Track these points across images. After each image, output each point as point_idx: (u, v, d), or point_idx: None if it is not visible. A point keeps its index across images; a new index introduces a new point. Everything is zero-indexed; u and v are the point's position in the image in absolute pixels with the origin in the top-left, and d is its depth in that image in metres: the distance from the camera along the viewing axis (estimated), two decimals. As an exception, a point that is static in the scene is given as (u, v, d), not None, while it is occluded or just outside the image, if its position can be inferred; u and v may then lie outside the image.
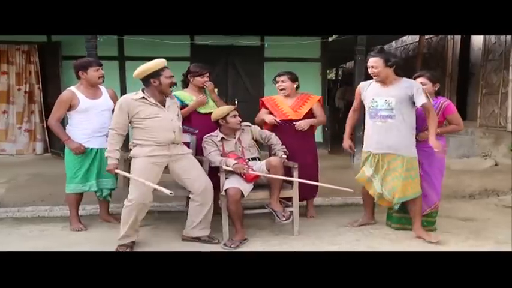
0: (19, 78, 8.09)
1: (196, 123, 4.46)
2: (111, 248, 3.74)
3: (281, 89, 4.61)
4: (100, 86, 4.39)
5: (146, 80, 3.75)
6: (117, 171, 3.76)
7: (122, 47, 7.97)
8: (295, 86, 4.62)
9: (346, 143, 4.45)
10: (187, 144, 4.35)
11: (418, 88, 3.91)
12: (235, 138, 4.23)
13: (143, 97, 3.73)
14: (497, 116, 7.40)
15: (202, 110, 4.51)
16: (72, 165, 4.27)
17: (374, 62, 3.96)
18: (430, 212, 4.20)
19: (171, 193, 3.36)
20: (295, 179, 4.05)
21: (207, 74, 4.54)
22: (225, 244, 3.83)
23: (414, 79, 4.17)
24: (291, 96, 4.62)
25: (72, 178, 4.28)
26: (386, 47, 11.58)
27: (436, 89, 4.21)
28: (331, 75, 16.31)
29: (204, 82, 4.52)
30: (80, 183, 4.29)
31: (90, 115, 4.24)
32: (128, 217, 3.70)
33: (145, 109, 3.73)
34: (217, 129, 4.27)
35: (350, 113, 4.45)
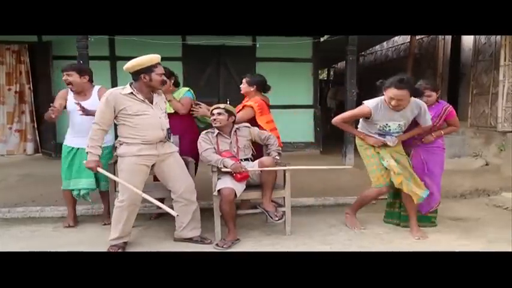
0: (9, 78, 8.01)
1: (174, 123, 4.49)
2: (103, 248, 3.72)
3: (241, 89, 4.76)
4: (95, 86, 4.46)
5: (136, 74, 3.65)
6: (99, 170, 3.66)
7: (113, 47, 7.93)
8: (252, 89, 4.64)
9: (372, 140, 4.14)
10: None
11: (425, 109, 4.01)
12: (230, 137, 4.20)
13: (131, 92, 3.65)
14: (487, 116, 7.45)
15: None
16: (62, 163, 4.47)
17: (402, 96, 3.82)
18: (436, 209, 4.37)
19: (177, 215, 3.43)
20: (288, 167, 4.08)
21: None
22: (217, 244, 3.83)
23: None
24: (249, 97, 4.68)
25: (62, 175, 4.44)
26: (377, 47, 11.66)
27: (438, 95, 4.32)
28: (323, 75, 16.34)
29: None
30: (65, 180, 4.43)
31: (76, 116, 4.31)
32: (120, 218, 3.68)
33: (133, 105, 3.64)
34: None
35: (343, 124, 4.28)
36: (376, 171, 4.14)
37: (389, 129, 4.04)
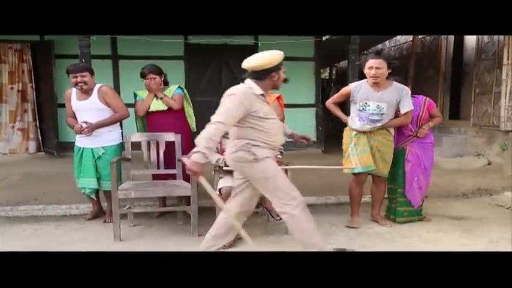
0: (12, 76, 8.05)
1: (152, 121, 4.63)
2: (105, 246, 3.74)
3: None
4: (96, 84, 4.43)
5: (266, 73, 3.19)
6: (201, 180, 3.05)
7: (115, 45, 7.94)
8: None
9: (347, 119, 4.38)
10: (172, 143, 4.36)
11: (407, 93, 4.15)
12: None
13: (262, 94, 3.20)
14: (490, 116, 7.44)
15: (152, 108, 4.59)
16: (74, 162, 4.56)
17: (379, 64, 4.02)
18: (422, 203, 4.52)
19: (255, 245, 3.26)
20: (289, 167, 4.03)
21: (150, 75, 4.54)
22: None
23: None
24: None
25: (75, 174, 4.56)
26: (379, 46, 11.65)
27: None
28: (325, 74, 16.31)
29: (149, 83, 4.54)
30: (77, 179, 4.51)
31: (79, 116, 4.38)
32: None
33: (263, 108, 3.19)
34: None
35: (332, 105, 4.47)
36: (346, 154, 4.33)
37: (369, 109, 4.14)
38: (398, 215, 4.46)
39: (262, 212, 4.22)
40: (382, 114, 4.12)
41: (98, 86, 4.42)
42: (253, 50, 8.00)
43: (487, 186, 5.83)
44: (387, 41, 11.25)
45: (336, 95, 4.48)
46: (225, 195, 3.78)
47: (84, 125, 4.27)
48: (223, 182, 3.86)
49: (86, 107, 4.34)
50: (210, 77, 8.30)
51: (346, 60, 7.71)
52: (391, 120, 4.21)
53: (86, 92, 4.36)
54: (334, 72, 16.49)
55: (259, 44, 7.66)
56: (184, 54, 8.06)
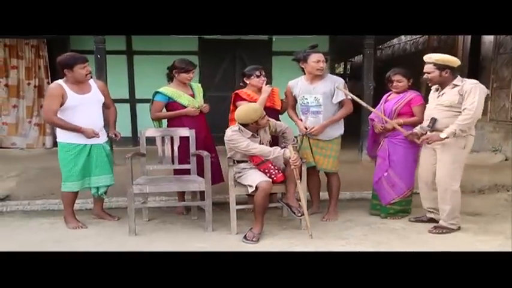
0: (28, 72, 8.13)
1: (188, 120, 4.49)
2: (119, 241, 3.79)
3: (260, 83, 4.55)
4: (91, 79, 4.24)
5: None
6: None
7: (130, 41, 7.96)
8: None
9: (302, 125, 4.35)
10: (186, 138, 4.36)
11: (338, 85, 4.23)
12: (259, 136, 4.08)
13: None
14: (507, 111, 7.33)
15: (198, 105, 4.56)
16: (66, 163, 4.18)
17: (323, 57, 4.22)
18: (399, 200, 4.43)
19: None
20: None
21: (193, 71, 4.52)
22: (246, 238, 3.79)
23: (391, 76, 4.38)
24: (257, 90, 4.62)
25: (68, 176, 4.18)
26: (395, 40, 11.55)
27: (410, 84, 4.41)
28: (340, 69, 16.23)
29: (191, 78, 4.53)
30: (76, 181, 4.19)
31: (80, 111, 4.06)
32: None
33: None
34: (237, 125, 4.02)
35: (289, 111, 4.54)
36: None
37: (308, 102, 4.29)
38: (371, 206, 4.60)
39: (279, 207, 4.23)
40: (320, 105, 4.24)
41: (93, 80, 4.29)
42: (267, 44, 8.07)
43: (504, 182, 5.75)
44: (403, 35, 11.14)
45: (289, 102, 4.55)
46: (265, 189, 3.78)
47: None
48: (260, 177, 3.85)
49: (88, 100, 4.10)
50: (224, 72, 8.31)
51: (361, 55, 7.64)
52: (334, 116, 4.28)
53: (84, 85, 4.12)
54: (348, 67, 16.40)
55: (274, 39, 7.64)
56: (198, 50, 8.07)
